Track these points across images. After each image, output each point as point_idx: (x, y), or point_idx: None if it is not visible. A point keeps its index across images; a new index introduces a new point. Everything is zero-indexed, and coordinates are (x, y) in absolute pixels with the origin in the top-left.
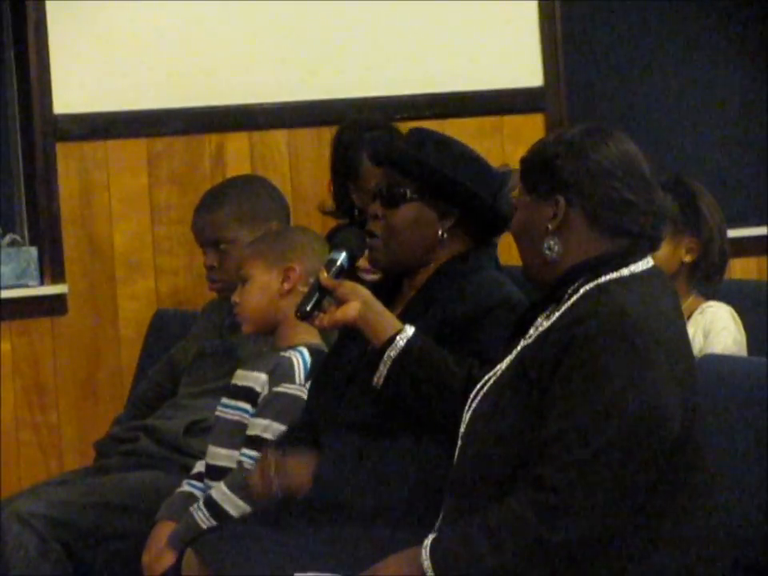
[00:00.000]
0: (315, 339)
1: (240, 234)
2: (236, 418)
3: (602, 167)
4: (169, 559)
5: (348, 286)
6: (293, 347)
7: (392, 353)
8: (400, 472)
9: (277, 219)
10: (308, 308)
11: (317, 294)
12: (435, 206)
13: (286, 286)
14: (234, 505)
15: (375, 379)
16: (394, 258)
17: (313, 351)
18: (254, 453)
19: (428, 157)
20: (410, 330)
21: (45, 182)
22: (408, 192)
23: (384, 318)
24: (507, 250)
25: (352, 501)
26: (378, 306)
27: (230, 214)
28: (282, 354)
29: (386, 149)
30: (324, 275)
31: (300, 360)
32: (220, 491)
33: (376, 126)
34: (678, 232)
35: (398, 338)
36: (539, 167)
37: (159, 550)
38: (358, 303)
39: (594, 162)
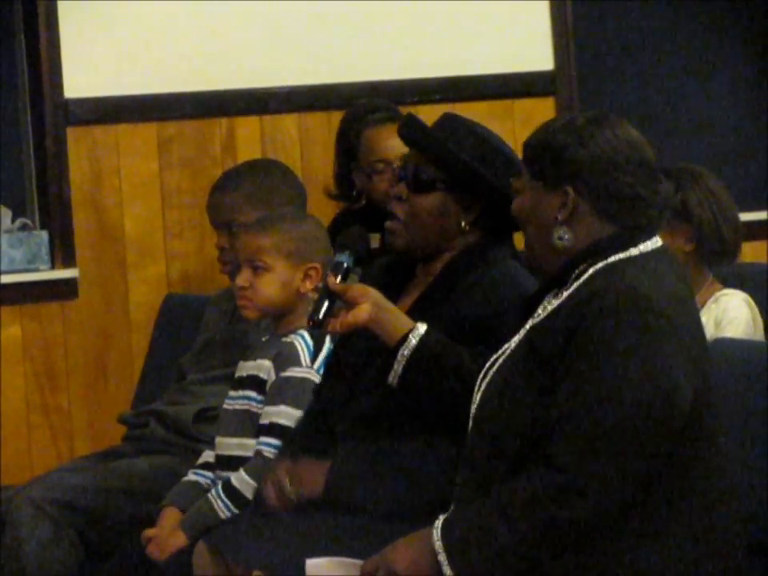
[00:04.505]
0: None
1: (253, 217)
2: (244, 406)
3: (610, 159)
4: (180, 540)
5: (357, 289)
6: (293, 332)
7: (405, 351)
8: (413, 472)
9: (291, 205)
10: (320, 316)
11: (327, 300)
12: (461, 198)
13: (309, 284)
14: (254, 492)
15: (390, 378)
16: (412, 242)
17: (313, 334)
18: (272, 440)
19: (461, 150)
20: (422, 328)
21: (55, 167)
22: (435, 179)
23: (395, 318)
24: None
25: (365, 503)
26: (388, 305)
27: (245, 197)
28: (284, 339)
29: (417, 132)
30: (332, 280)
31: (302, 343)
32: (240, 478)
33: (378, 109)
34: (672, 222)
35: (410, 336)
36: (547, 156)
37: (169, 531)
38: (369, 305)
39: (603, 152)
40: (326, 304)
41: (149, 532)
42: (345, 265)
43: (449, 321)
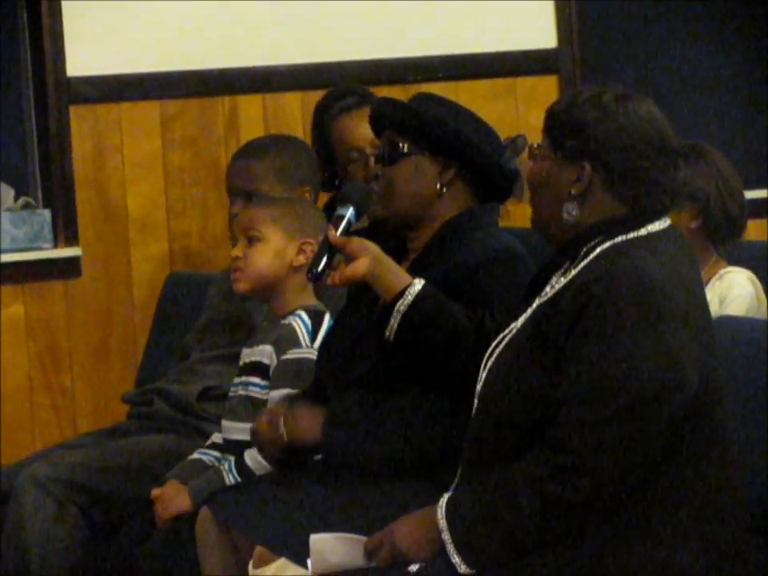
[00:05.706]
0: (311, 301)
1: (275, 189)
2: (247, 393)
3: (632, 141)
4: (185, 503)
5: (356, 242)
6: (290, 313)
7: (402, 306)
8: (407, 425)
9: (310, 185)
10: (320, 269)
11: (326, 253)
12: (434, 159)
13: (302, 258)
14: (265, 471)
15: (387, 332)
16: (391, 209)
17: (311, 313)
18: None
19: (426, 110)
20: (419, 284)
21: (58, 145)
22: (406, 147)
23: (393, 273)
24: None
25: (361, 454)
26: (387, 260)
27: (271, 168)
28: (283, 322)
29: (384, 111)
30: (332, 233)
31: (300, 323)
32: (252, 457)
33: (349, 94)
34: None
35: (407, 291)
36: (569, 128)
37: (175, 492)
38: (367, 259)
39: (626, 133)
40: (325, 257)
41: (156, 491)
42: (346, 218)
43: (437, 280)
